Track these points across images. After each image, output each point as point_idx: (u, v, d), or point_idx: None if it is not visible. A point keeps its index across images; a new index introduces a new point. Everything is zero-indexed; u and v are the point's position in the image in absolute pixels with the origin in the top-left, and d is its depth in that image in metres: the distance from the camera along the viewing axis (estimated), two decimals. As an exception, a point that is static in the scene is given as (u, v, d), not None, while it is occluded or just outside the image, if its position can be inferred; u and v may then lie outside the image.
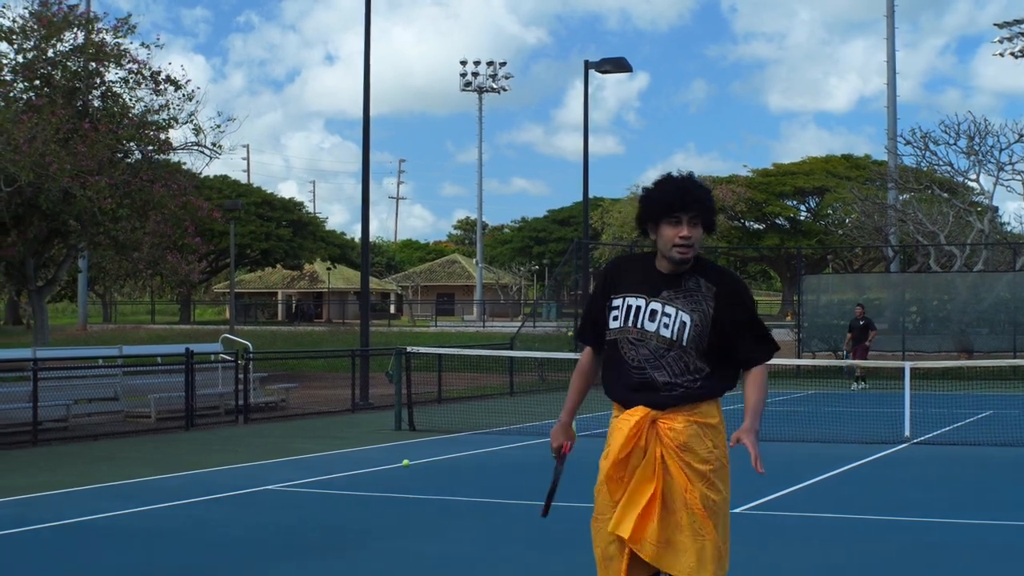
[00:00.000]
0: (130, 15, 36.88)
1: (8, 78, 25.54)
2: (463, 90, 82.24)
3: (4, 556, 8.52)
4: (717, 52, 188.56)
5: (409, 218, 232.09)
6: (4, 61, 25.54)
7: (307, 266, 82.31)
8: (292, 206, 77.08)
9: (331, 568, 8.06)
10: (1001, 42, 51.21)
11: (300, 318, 76.30)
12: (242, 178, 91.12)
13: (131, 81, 26.72)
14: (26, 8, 25.74)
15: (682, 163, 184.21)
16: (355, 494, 11.43)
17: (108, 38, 26.42)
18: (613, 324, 4.75)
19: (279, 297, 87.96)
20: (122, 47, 26.50)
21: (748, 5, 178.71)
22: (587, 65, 28.41)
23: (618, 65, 28.17)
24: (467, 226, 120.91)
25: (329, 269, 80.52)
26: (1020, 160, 38.31)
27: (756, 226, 70.20)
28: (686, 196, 4.58)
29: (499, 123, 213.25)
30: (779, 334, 36.18)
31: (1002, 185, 39.02)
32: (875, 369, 25.79)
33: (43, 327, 27.46)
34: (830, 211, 67.94)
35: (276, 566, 8.09)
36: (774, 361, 4.93)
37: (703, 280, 4.65)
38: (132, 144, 26.67)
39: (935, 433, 16.50)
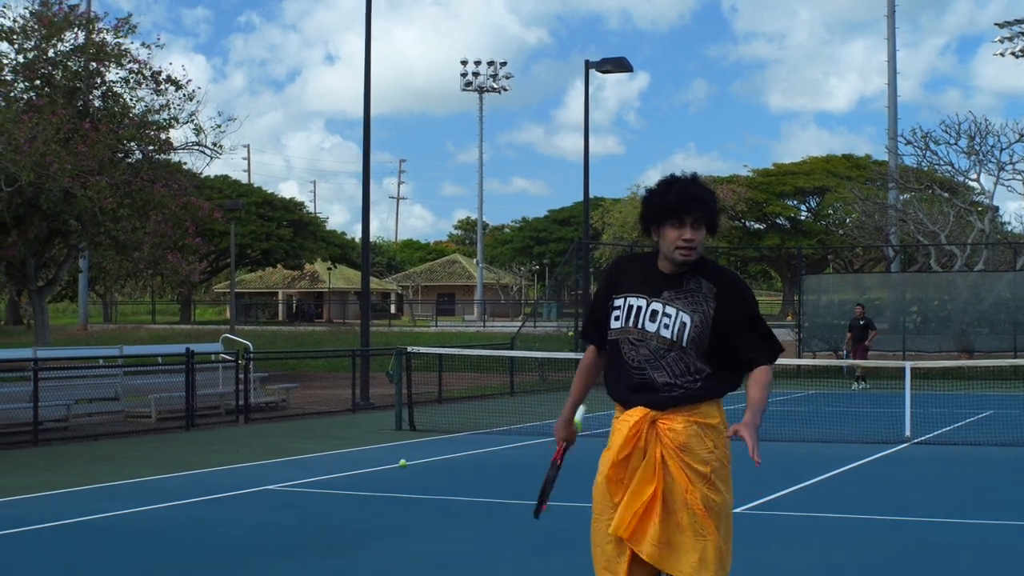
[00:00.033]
0: (131, 15, 36.90)
1: (9, 78, 25.55)
2: (463, 90, 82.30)
3: (4, 556, 8.52)
4: (717, 52, 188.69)
5: (409, 218, 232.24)
6: (5, 61, 25.56)
7: (308, 266, 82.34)
8: (293, 206, 77.11)
9: (331, 568, 8.05)
10: (1002, 42, 51.23)
11: (301, 318, 76.31)
12: (243, 178, 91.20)
13: (132, 81, 26.75)
14: (27, 8, 25.79)
15: (682, 163, 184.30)
16: (355, 494, 11.43)
17: (109, 38, 26.45)
18: (614, 324, 4.74)
19: (280, 297, 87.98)
20: (123, 47, 26.53)
21: (748, 5, 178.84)
22: (588, 65, 28.40)
23: (619, 65, 28.17)
24: (467, 226, 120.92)
25: (330, 269, 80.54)
26: (1021, 160, 38.31)
27: (757, 226, 70.21)
28: (689, 199, 4.56)
29: (499, 123, 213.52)
30: (780, 334, 36.11)
31: (1003, 185, 39.04)
32: (875, 369, 25.78)
33: (44, 327, 27.47)
34: (831, 211, 67.97)
35: (276, 566, 8.09)
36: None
37: (704, 280, 4.64)
38: (133, 144, 26.69)
39: (936, 433, 16.50)
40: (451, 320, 72.41)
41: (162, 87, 26.75)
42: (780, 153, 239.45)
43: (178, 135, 44.53)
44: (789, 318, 46.55)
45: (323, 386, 25.29)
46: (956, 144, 38.74)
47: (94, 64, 26.10)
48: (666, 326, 4.62)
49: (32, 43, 25.72)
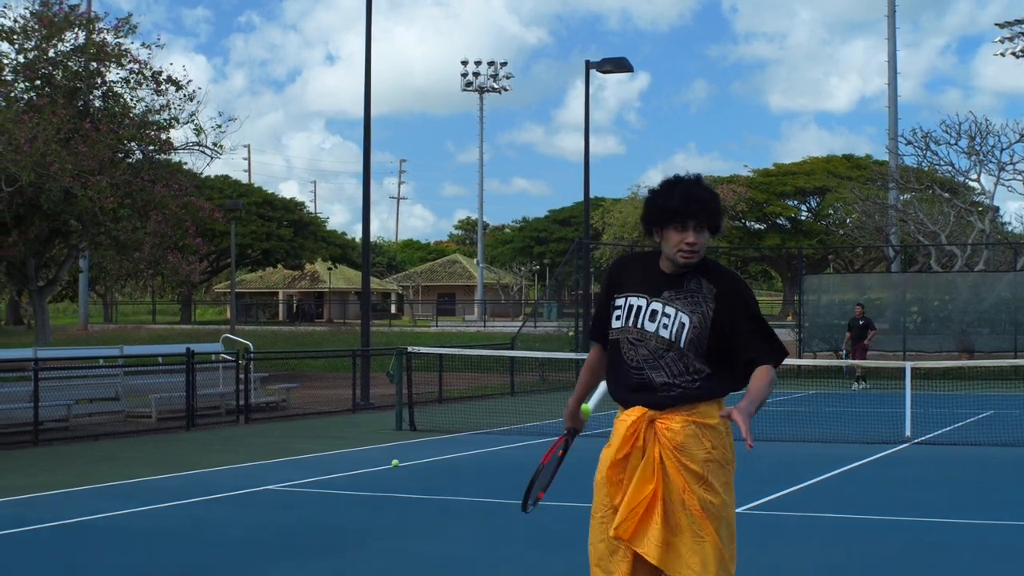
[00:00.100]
0: (131, 15, 36.85)
1: (9, 78, 25.56)
2: (464, 90, 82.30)
3: (5, 556, 8.53)
4: (718, 52, 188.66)
5: (410, 218, 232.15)
6: (5, 61, 25.56)
7: (308, 266, 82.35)
8: (293, 206, 77.12)
9: (331, 568, 8.06)
10: (1002, 42, 51.24)
11: (301, 318, 76.32)
12: (243, 178, 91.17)
13: (132, 81, 26.76)
14: (27, 8, 25.79)
15: (683, 163, 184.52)
16: (355, 494, 11.44)
17: (109, 38, 26.45)
18: (615, 324, 4.74)
19: (280, 297, 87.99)
20: (123, 47, 26.54)
21: (749, 5, 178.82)
22: (588, 65, 28.41)
23: (619, 65, 28.17)
24: (468, 226, 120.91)
25: (330, 269, 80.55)
26: (1021, 160, 38.30)
27: (757, 226, 70.21)
28: (693, 201, 4.54)
29: (500, 123, 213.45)
30: (780, 334, 36.02)
31: (1003, 185, 39.03)
32: (876, 369, 25.78)
33: (44, 327, 27.47)
34: (831, 211, 67.97)
35: (276, 566, 8.10)
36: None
37: (705, 281, 4.62)
38: (133, 144, 26.70)
39: (936, 433, 16.50)
40: (451, 320, 72.41)
41: (162, 87, 26.76)
42: (780, 153, 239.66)
43: (178, 135, 44.63)
44: (789, 318, 46.55)
45: (323, 386, 25.29)
46: (956, 144, 38.77)
47: (94, 64, 26.10)
48: (665, 326, 4.61)
49: (32, 43, 25.73)
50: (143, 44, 27.24)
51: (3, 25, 25.53)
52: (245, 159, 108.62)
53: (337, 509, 10.62)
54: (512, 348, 27.05)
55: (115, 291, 75.36)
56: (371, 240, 25.40)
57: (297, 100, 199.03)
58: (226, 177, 74.26)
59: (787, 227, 69.50)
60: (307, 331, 52.93)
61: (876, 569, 8.00)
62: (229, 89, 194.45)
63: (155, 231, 27.54)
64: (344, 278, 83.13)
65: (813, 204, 70.73)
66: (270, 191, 77.90)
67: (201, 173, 30.53)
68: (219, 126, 27.70)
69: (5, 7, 25.84)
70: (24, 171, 22.31)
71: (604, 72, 28.52)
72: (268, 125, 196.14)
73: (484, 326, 57.97)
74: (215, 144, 27.74)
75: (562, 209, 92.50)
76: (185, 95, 26.89)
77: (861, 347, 26.44)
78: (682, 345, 4.58)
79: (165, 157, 27.61)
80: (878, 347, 29.94)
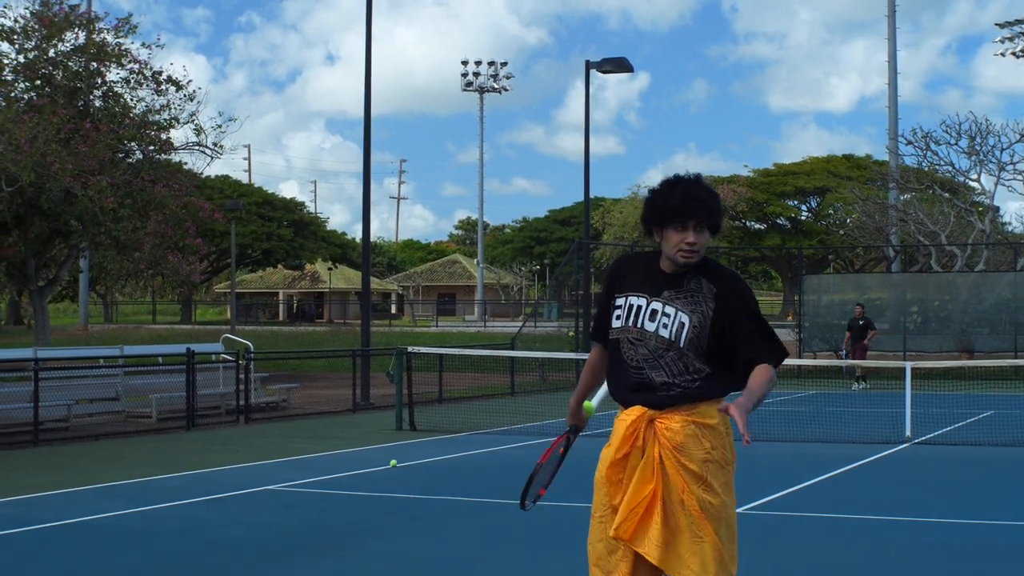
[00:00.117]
0: (131, 15, 36.87)
1: (9, 78, 25.56)
2: (464, 90, 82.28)
3: (6, 556, 8.53)
4: (718, 52, 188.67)
5: (410, 218, 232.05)
6: (5, 61, 25.56)
7: (308, 266, 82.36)
8: (293, 206, 77.12)
9: (331, 568, 8.06)
10: (1002, 42, 51.25)
11: (301, 318, 76.32)
12: (243, 178, 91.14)
13: (132, 81, 26.75)
14: (27, 8, 25.79)
15: (683, 163, 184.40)
16: (356, 494, 11.44)
17: (109, 38, 26.45)
18: (615, 323, 4.74)
19: (280, 297, 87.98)
20: (123, 47, 26.53)
21: (749, 5, 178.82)
22: (588, 65, 28.41)
23: (619, 65, 28.16)
24: (468, 226, 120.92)
25: (330, 269, 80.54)
26: (1021, 160, 38.29)
27: (757, 226, 70.22)
28: (693, 201, 4.54)
29: (500, 123, 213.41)
30: (780, 334, 36.05)
31: (1003, 185, 39.01)
32: (876, 369, 25.79)
33: (44, 327, 27.47)
34: (831, 211, 67.98)
35: (277, 566, 8.10)
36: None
37: (705, 280, 4.62)
38: (133, 144, 26.69)
39: (936, 433, 16.50)
40: (452, 320, 72.40)
41: (163, 87, 26.75)
42: (781, 153, 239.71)
43: (179, 135, 44.63)
44: (790, 318, 46.55)
45: (324, 386, 25.29)
46: (957, 144, 38.76)
47: (95, 64, 26.10)
48: (665, 326, 4.61)
49: (33, 43, 25.73)
50: (143, 44, 27.28)
51: (3, 25, 25.55)
52: (245, 159, 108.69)
53: (337, 509, 10.63)
54: (512, 348, 27.05)
55: (115, 291, 75.35)
56: (371, 240, 25.40)
57: (297, 100, 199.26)
58: (226, 177, 74.29)
59: (787, 227, 69.51)
60: (307, 331, 52.94)
61: (876, 569, 8.00)
62: (229, 89, 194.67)
63: (155, 231, 27.54)
64: (344, 278, 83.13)
65: (813, 204, 70.74)
66: (270, 191, 78.01)
67: (201, 173, 30.54)
68: (219, 126, 27.73)
69: (5, 7, 25.87)
70: (24, 171, 22.31)
71: (604, 72, 28.52)
72: (268, 125, 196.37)
73: (484, 326, 57.97)
74: (215, 144, 27.76)
75: (562, 209, 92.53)
76: (185, 95, 26.90)
77: (861, 347, 26.44)
78: (682, 345, 4.58)
79: (165, 157, 27.61)
80: (878, 347, 29.95)
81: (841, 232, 61.44)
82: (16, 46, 25.69)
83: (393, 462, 13.35)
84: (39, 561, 8.38)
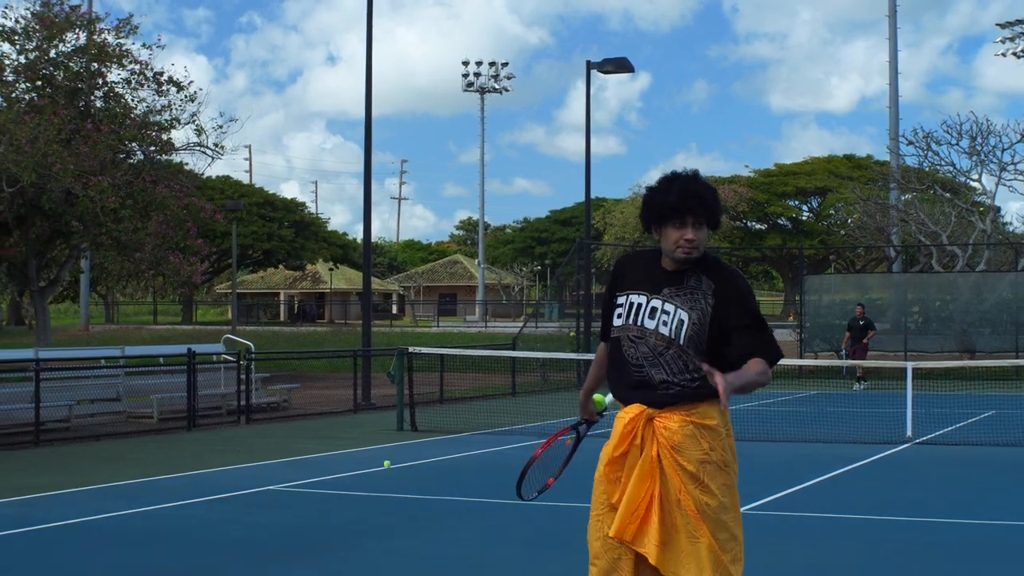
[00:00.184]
0: (132, 16, 36.92)
1: (10, 79, 25.56)
2: (465, 90, 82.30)
3: (7, 556, 8.54)
4: (719, 52, 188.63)
5: (411, 218, 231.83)
6: (6, 62, 25.57)
7: (309, 266, 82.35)
8: (294, 206, 77.12)
9: (332, 568, 8.07)
10: (1003, 42, 51.28)
11: (302, 318, 76.33)
12: (244, 178, 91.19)
13: (133, 82, 26.75)
14: (28, 9, 25.79)
15: (684, 163, 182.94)
16: (357, 494, 11.44)
17: (110, 39, 26.45)
18: (617, 321, 4.75)
19: (281, 297, 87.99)
20: (124, 48, 26.53)
21: (750, 5, 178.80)
22: (589, 65, 28.40)
23: (620, 65, 28.15)
24: (469, 226, 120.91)
25: (331, 269, 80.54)
26: (1022, 160, 38.28)
27: (758, 226, 70.21)
28: (691, 197, 4.54)
29: (501, 123, 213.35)
30: (781, 334, 36.18)
31: (1004, 185, 38.98)
32: (877, 369, 25.78)
33: (45, 327, 27.48)
34: (832, 211, 67.98)
35: (278, 566, 8.11)
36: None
37: (705, 277, 4.62)
38: (134, 144, 26.69)
39: (937, 433, 16.50)
40: (453, 320, 72.41)
41: (164, 88, 26.75)
42: (781, 153, 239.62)
43: (180, 136, 44.65)
44: (791, 318, 46.56)
45: (325, 386, 25.30)
46: (958, 144, 38.73)
47: (95, 65, 26.10)
48: (664, 323, 4.61)
49: (33, 44, 25.74)
50: (144, 45, 27.26)
51: (4, 26, 25.55)
52: (246, 160, 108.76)
53: (338, 509, 10.63)
54: (513, 348, 27.05)
55: (116, 292, 75.37)
56: (372, 240, 25.40)
57: (298, 100, 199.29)
58: (227, 178, 74.28)
59: (788, 227, 69.50)
60: (308, 331, 52.95)
61: (876, 569, 8.00)
62: (230, 89, 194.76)
63: (156, 232, 27.54)
64: (345, 278, 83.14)
65: (814, 204, 70.73)
66: (271, 191, 77.97)
67: (202, 174, 30.52)
68: (220, 127, 27.72)
69: (6, 8, 25.90)
70: (25, 172, 22.32)
71: (605, 72, 28.50)
72: (269, 125, 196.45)
73: (485, 326, 57.98)
74: (216, 145, 27.76)
75: (563, 209, 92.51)
76: (186, 96, 26.90)
77: (861, 347, 26.44)
78: (681, 342, 4.57)
79: (166, 158, 27.61)
80: (879, 347, 29.95)
81: (842, 232, 61.44)
82: (17, 47, 25.70)
83: (387, 463, 13.35)
84: (40, 561, 8.38)
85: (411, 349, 18.85)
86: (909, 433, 15.50)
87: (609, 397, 5.07)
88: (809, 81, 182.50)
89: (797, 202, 70.43)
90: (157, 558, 8.39)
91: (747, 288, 4.68)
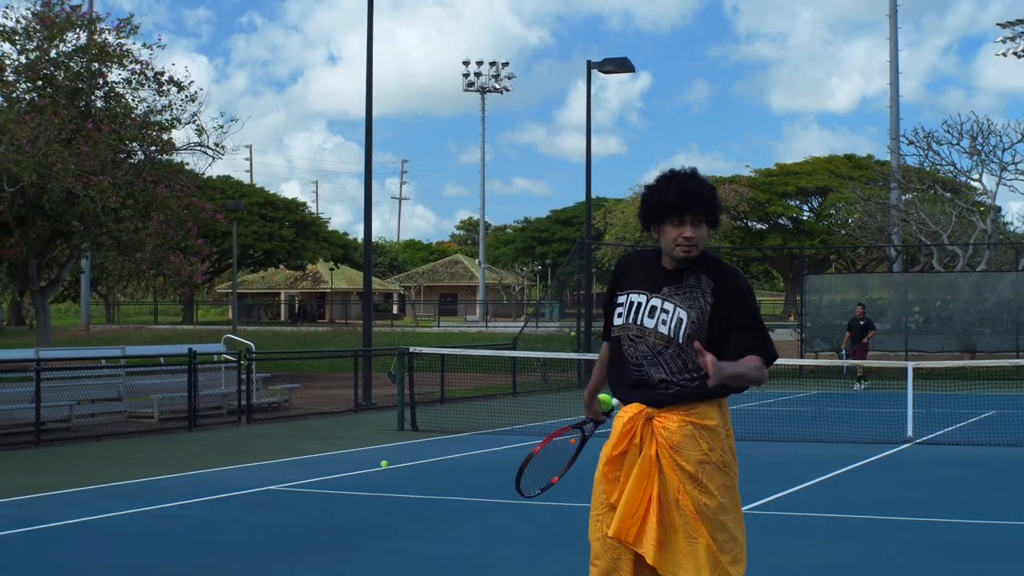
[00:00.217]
0: (132, 16, 36.93)
1: (11, 79, 25.57)
2: (466, 90, 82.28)
3: (7, 556, 8.54)
4: (719, 52, 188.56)
5: (412, 218, 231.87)
6: (7, 62, 25.58)
7: (310, 266, 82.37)
8: (295, 206, 77.13)
9: (334, 568, 8.07)
10: (1004, 42, 51.33)
11: (303, 318, 76.33)
12: (245, 178, 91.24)
13: (134, 82, 26.77)
14: (28, 9, 25.80)
15: (685, 163, 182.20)
16: (357, 494, 11.44)
17: (111, 39, 26.46)
18: (617, 320, 4.75)
19: (282, 297, 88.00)
20: (125, 48, 26.54)
21: (750, 5, 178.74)
22: (590, 65, 28.40)
23: (620, 65, 28.15)
24: (470, 226, 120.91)
25: (332, 269, 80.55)
26: (1023, 160, 38.30)
27: (759, 226, 70.23)
28: (689, 195, 4.53)
29: (501, 123, 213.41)
30: (782, 334, 36.22)
31: (1005, 185, 39.03)
32: (878, 369, 25.77)
33: (46, 327, 27.49)
34: (833, 211, 67.99)
35: (278, 566, 8.10)
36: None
37: (704, 276, 4.62)
38: (135, 144, 26.70)
39: (938, 433, 16.50)
40: (453, 320, 72.41)
41: (164, 88, 26.76)
42: (782, 153, 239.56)
43: (180, 136, 44.62)
44: (791, 318, 46.56)
45: (325, 386, 25.30)
46: (958, 144, 38.76)
47: (96, 65, 26.11)
48: (664, 322, 4.60)
49: (34, 44, 25.75)
50: (144, 45, 27.25)
51: (5, 26, 25.57)
52: (247, 159, 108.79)
53: (339, 509, 10.63)
54: (514, 348, 27.05)
55: (117, 292, 75.41)
56: (373, 240, 25.39)
57: (299, 100, 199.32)
58: (228, 177, 74.30)
59: (789, 227, 69.51)
60: (309, 331, 52.95)
61: (877, 569, 8.00)
62: (231, 89, 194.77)
63: (157, 231, 27.55)
64: (346, 278, 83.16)
65: (815, 204, 70.75)
66: (272, 191, 78.00)
67: (203, 173, 30.54)
68: (221, 126, 27.74)
69: (7, 8, 25.91)
70: (26, 171, 22.33)
71: (606, 72, 28.50)
72: (270, 125, 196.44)
73: (486, 326, 57.97)
74: (217, 144, 27.77)
75: (564, 209, 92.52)
76: (187, 96, 26.91)
77: (861, 347, 26.44)
78: (681, 341, 4.57)
79: (167, 157, 27.63)
80: (880, 347, 29.94)
81: (843, 232, 61.44)
82: (18, 47, 25.72)
83: (384, 463, 13.34)
84: (40, 561, 8.38)
85: (412, 349, 18.85)
86: (910, 433, 15.50)
87: (615, 399, 5.07)
88: (810, 81, 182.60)
89: (798, 202, 70.46)
90: (157, 558, 8.39)
91: (747, 287, 4.67)
